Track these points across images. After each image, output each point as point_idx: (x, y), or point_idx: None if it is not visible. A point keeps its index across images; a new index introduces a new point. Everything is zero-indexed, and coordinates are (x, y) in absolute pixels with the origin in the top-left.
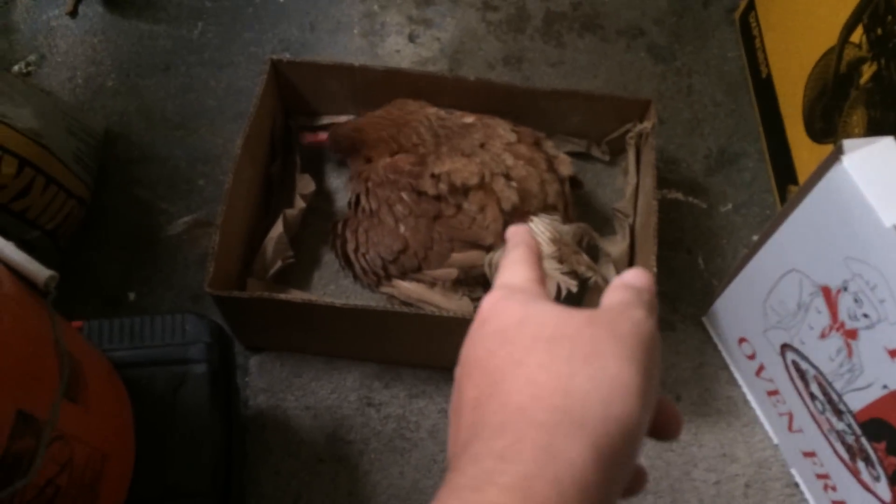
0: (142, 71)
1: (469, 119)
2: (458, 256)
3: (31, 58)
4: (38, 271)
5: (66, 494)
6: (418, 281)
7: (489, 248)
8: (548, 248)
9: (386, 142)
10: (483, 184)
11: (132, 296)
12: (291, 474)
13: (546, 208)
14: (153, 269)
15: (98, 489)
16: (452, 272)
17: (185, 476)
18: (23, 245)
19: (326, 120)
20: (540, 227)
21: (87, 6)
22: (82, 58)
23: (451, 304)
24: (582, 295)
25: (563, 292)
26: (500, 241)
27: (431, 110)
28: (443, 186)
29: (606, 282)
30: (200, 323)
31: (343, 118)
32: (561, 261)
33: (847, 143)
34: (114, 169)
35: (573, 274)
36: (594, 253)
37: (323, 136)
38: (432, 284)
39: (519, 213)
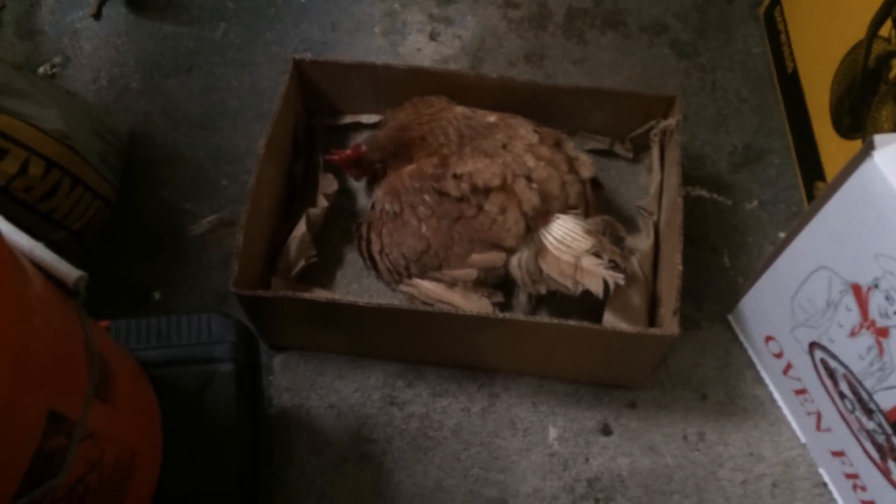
0: (165, 72)
1: (492, 118)
2: (478, 257)
3: (56, 60)
4: (68, 272)
5: (95, 493)
6: (438, 280)
7: (510, 250)
8: (585, 243)
9: (425, 139)
10: (505, 185)
11: (157, 295)
12: (316, 473)
13: (567, 210)
14: (178, 268)
15: (126, 487)
16: (472, 273)
17: (212, 475)
18: (50, 245)
19: (349, 119)
20: (569, 225)
21: (110, 8)
22: (106, 59)
23: (471, 304)
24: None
25: (612, 287)
26: (522, 243)
27: (458, 109)
28: (465, 187)
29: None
30: (226, 322)
31: (365, 117)
32: (600, 253)
33: (878, 139)
34: (138, 169)
35: (614, 265)
36: (619, 247)
37: (346, 152)
38: (452, 285)
39: (540, 215)
